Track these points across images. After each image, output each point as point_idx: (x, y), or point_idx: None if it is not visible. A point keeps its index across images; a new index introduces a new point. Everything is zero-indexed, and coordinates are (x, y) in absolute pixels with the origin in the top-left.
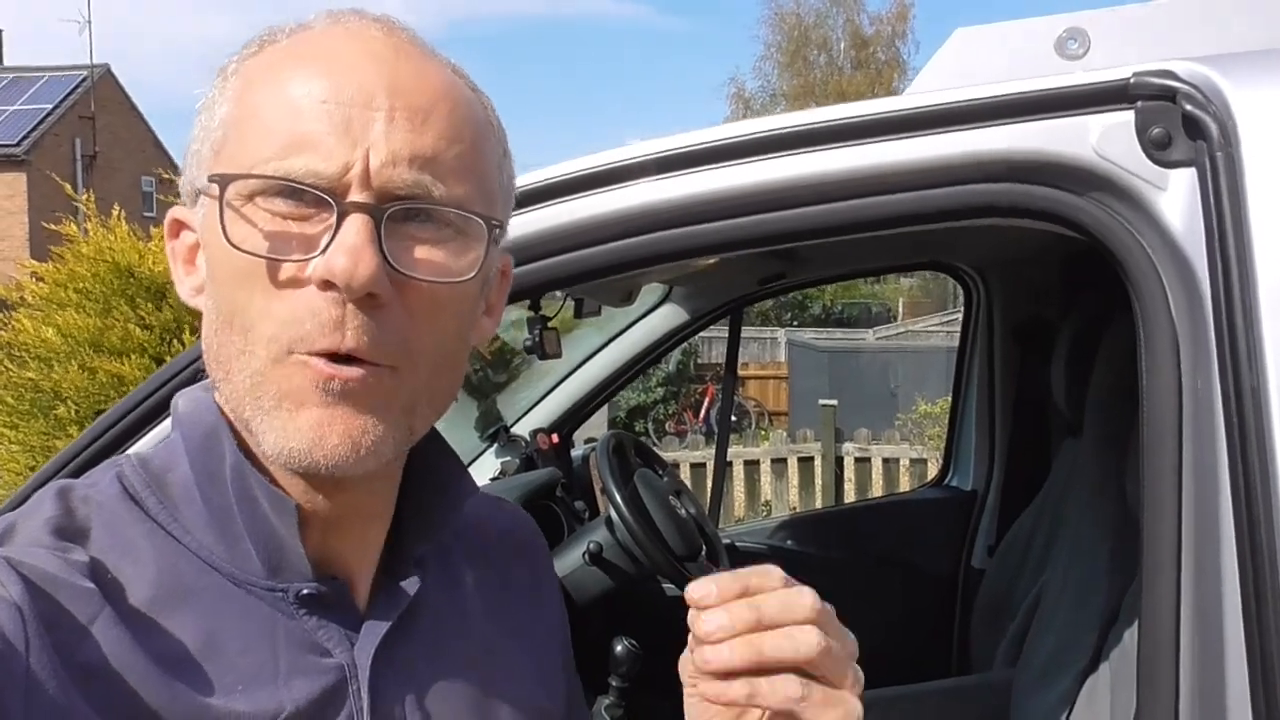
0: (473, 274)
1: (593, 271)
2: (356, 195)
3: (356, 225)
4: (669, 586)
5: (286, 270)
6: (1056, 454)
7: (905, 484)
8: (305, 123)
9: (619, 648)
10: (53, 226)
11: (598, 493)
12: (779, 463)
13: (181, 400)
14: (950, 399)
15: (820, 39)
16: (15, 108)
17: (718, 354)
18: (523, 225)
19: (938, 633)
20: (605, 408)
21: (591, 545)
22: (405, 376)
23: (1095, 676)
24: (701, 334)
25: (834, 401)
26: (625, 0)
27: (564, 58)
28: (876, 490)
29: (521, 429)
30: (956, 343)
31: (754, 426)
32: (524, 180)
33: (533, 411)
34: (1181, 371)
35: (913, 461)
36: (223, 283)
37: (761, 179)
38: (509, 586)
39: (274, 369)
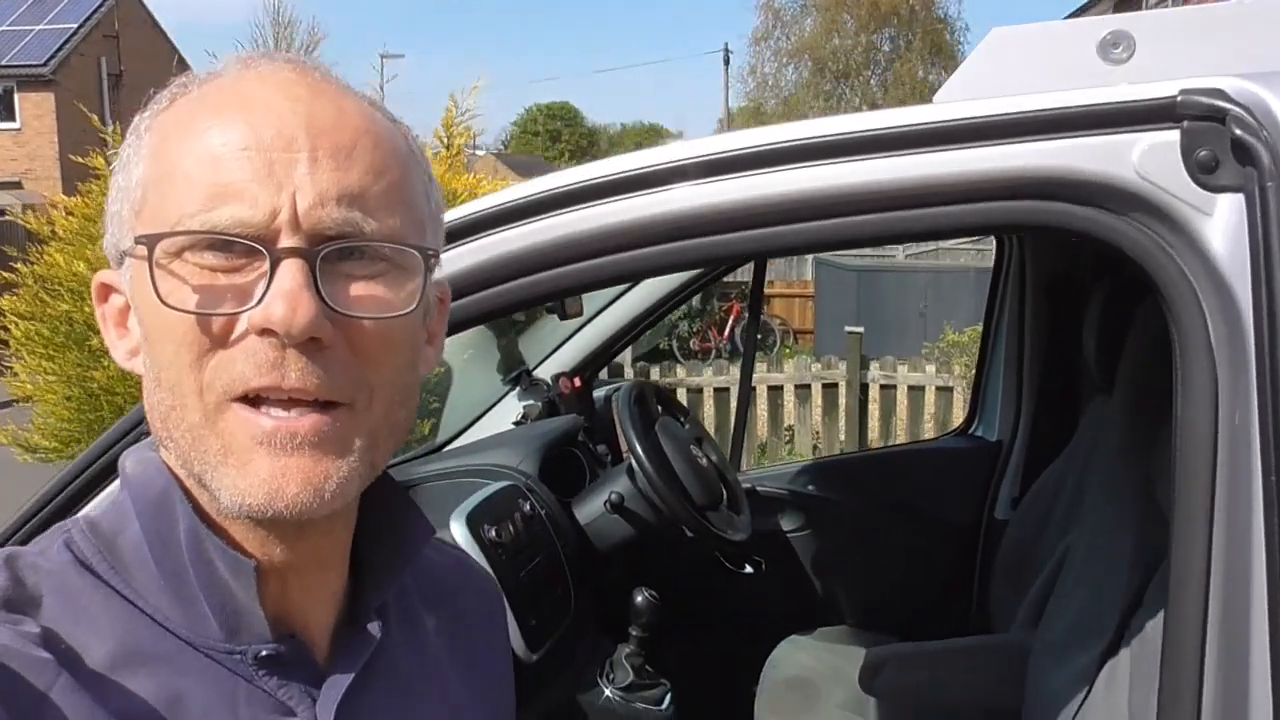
0: (413, 306)
1: (630, 275)
2: (287, 240)
3: (291, 270)
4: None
5: (222, 324)
6: (1085, 409)
7: (929, 412)
8: (227, 172)
9: (639, 598)
10: (80, 160)
11: (621, 444)
12: (803, 388)
13: (129, 461)
14: (980, 341)
15: None
16: (40, 27)
17: (743, 272)
18: (552, 229)
19: (957, 583)
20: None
21: (613, 495)
22: (361, 413)
23: (1115, 662)
24: None
25: (860, 328)
26: None
27: None
28: (900, 417)
29: (544, 372)
30: (988, 263)
31: (779, 345)
32: (554, 182)
33: (555, 355)
34: (1219, 403)
35: (938, 390)
36: (156, 342)
37: (791, 189)
38: (468, 632)
39: (213, 422)
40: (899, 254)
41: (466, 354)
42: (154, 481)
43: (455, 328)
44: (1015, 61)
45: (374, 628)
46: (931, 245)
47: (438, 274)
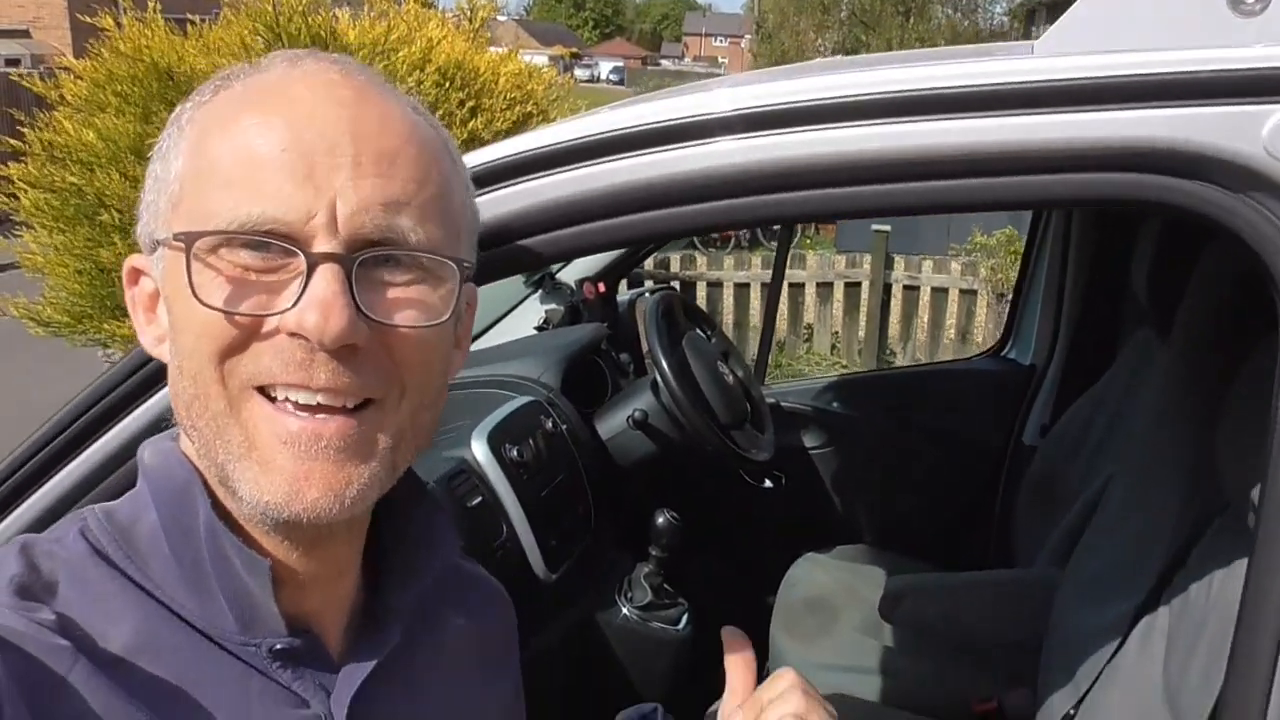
0: (447, 315)
1: (675, 233)
2: (324, 245)
3: (327, 276)
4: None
5: (253, 324)
6: (1125, 341)
7: (952, 317)
8: (264, 172)
9: (660, 520)
10: (89, 20)
11: (646, 359)
12: (824, 286)
13: (148, 452)
14: (1020, 259)
15: None
16: None
17: None
18: (592, 179)
19: (979, 507)
20: None
21: (636, 412)
22: (390, 411)
23: (1151, 619)
24: None
25: (887, 227)
26: None
27: None
28: (922, 318)
29: (567, 276)
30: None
31: (799, 235)
32: (593, 129)
33: (579, 259)
34: None
35: (962, 293)
36: (182, 332)
37: (867, 147)
38: (483, 636)
39: (236, 411)
40: None
41: None
42: (174, 473)
43: (488, 277)
44: (1126, 10)
45: (393, 631)
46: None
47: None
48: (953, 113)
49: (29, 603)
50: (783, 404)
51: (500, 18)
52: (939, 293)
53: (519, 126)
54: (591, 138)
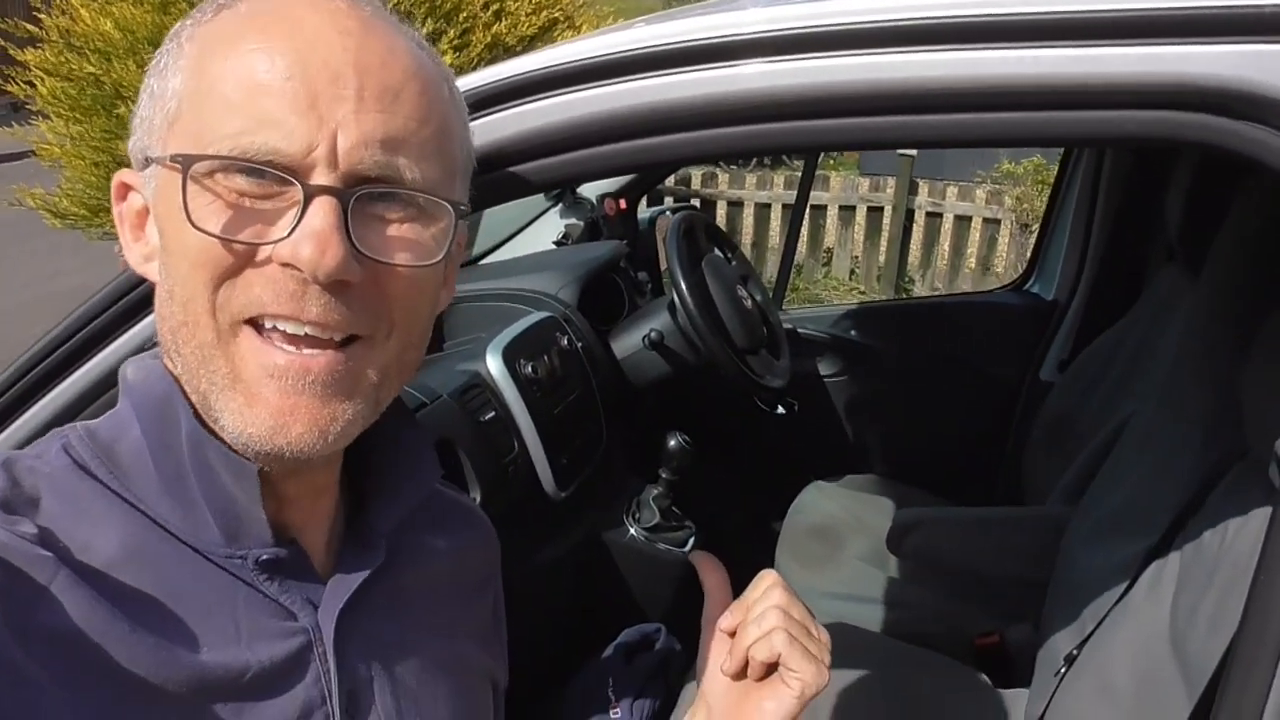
0: (440, 256)
1: (696, 158)
2: (323, 177)
3: (323, 209)
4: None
5: (245, 252)
6: (1153, 276)
7: (974, 245)
8: (267, 100)
9: (672, 442)
10: None
11: (665, 278)
12: (847, 210)
13: (130, 369)
14: (1043, 175)
15: None
16: None
17: None
18: (612, 99)
19: (992, 441)
20: None
21: (652, 332)
22: (378, 347)
23: (1163, 563)
24: None
25: (913, 152)
26: None
27: None
28: (943, 246)
29: (588, 191)
30: None
31: (822, 154)
32: (614, 47)
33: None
34: None
35: (985, 221)
36: (174, 255)
37: (904, 75)
38: (465, 562)
39: (224, 343)
40: None
41: None
42: (155, 387)
43: (504, 196)
44: None
45: (379, 548)
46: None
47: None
48: (997, 42)
49: (11, 516)
50: (800, 330)
51: None
52: (962, 220)
53: (544, 33)
54: (611, 56)
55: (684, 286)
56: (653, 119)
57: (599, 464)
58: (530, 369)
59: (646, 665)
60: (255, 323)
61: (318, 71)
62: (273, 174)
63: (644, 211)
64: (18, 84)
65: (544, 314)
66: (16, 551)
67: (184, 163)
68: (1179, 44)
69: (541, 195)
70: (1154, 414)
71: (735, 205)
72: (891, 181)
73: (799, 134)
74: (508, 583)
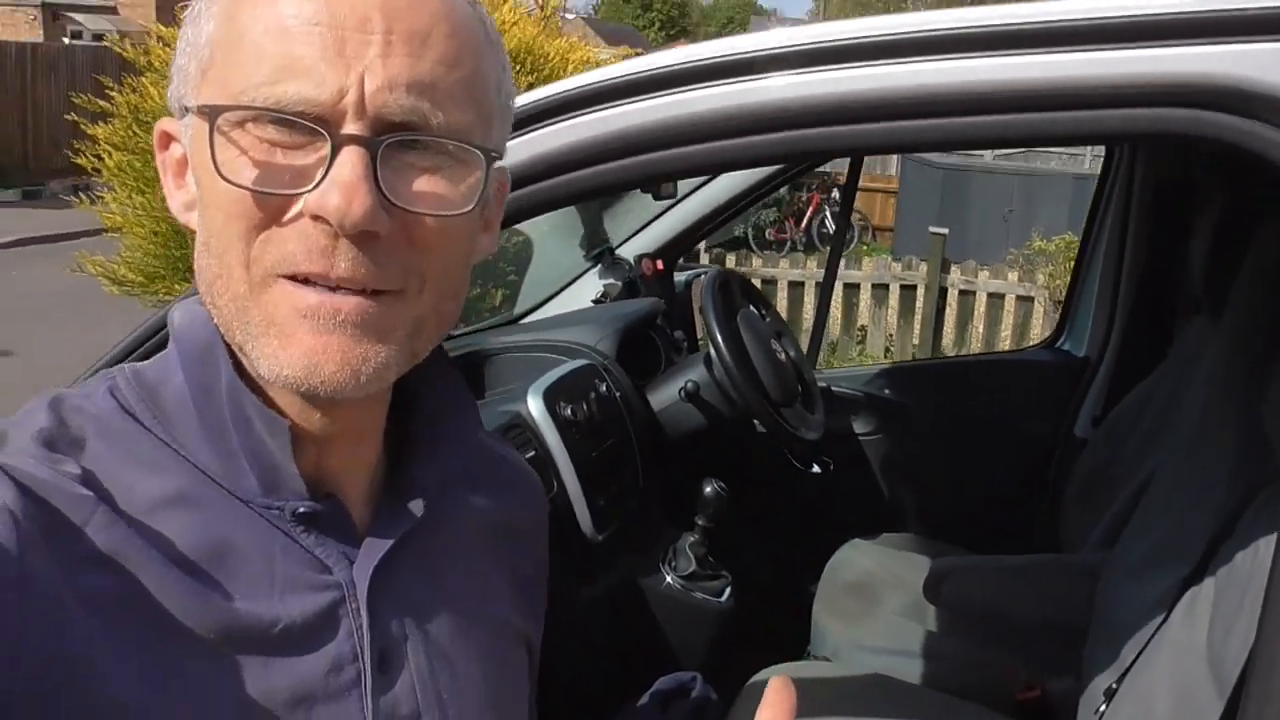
0: (472, 204)
1: (724, 165)
2: (351, 126)
3: (351, 159)
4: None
5: (276, 203)
6: (1181, 330)
7: (1008, 323)
8: (296, 46)
9: (708, 489)
10: None
11: (699, 329)
12: (880, 288)
13: (178, 313)
14: (1075, 252)
15: None
16: None
17: (827, 163)
18: (646, 113)
19: (1029, 499)
20: None
21: (689, 384)
22: (410, 301)
23: (1196, 590)
24: None
25: (944, 230)
26: None
27: None
28: (977, 324)
29: (626, 252)
30: (1079, 169)
31: (857, 240)
32: (647, 66)
33: (639, 235)
34: None
35: (1019, 299)
36: (209, 207)
37: (927, 81)
38: (509, 517)
39: (257, 294)
40: (987, 154)
41: (548, 227)
42: (200, 334)
43: (542, 208)
44: None
45: (417, 505)
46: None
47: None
48: (1007, 49)
49: (55, 454)
50: (834, 389)
51: (568, 15)
52: (995, 298)
53: None
54: (643, 73)
55: (719, 339)
56: (686, 129)
57: (636, 510)
58: (569, 411)
59: (681, 713)
60: (288, 278)
61: (346, 16)
62: (303, 125)
63: (680, 274)
64: (87, 157)
65: (583, 361)
66: (57, 489)
67: (211, 113)
68: (1175, 45)
69: (581, 257)
70: (1181, 455)
71: (769, 284)
72: (924, 267)
73: (821, 140)
74: (545, 618)
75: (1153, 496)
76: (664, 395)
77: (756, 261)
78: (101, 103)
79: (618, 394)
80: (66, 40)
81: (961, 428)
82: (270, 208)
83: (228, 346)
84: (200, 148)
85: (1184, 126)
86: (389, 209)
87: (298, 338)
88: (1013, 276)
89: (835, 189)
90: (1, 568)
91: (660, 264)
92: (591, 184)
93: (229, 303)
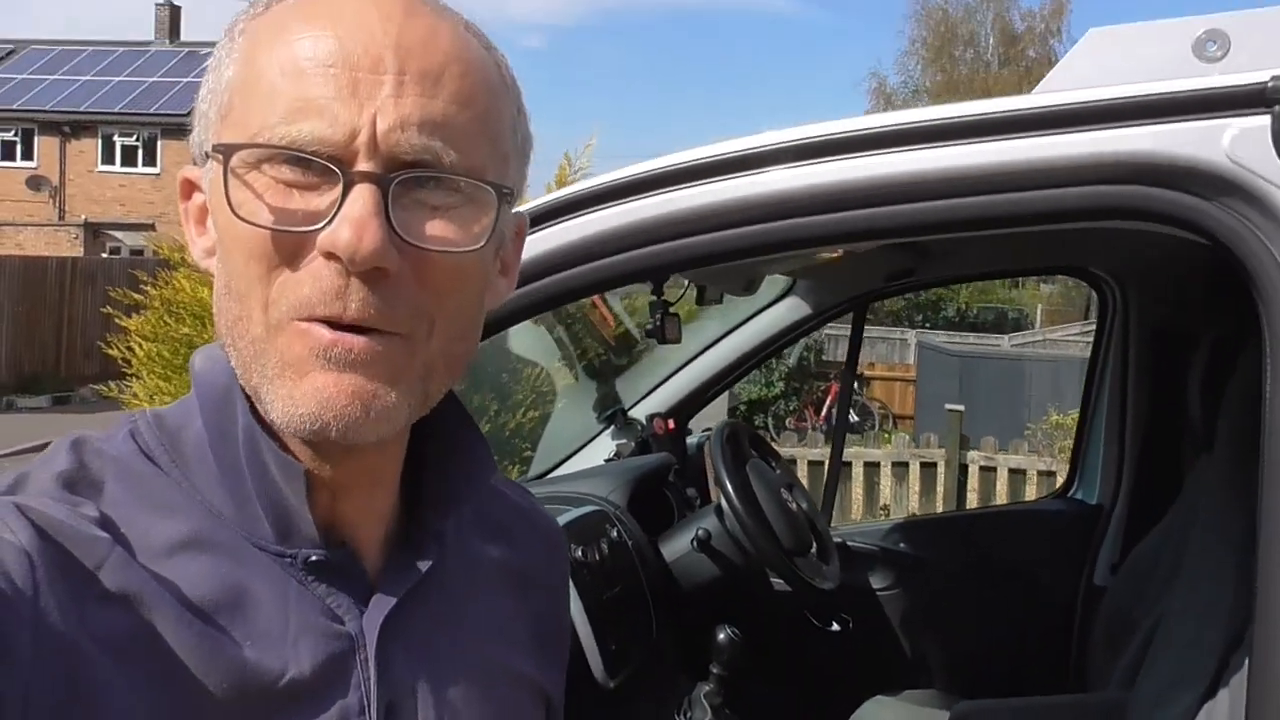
0: (484, 242)
1: (723, 255)
2: (363, 164)
3: (363, 196)
4: (776, 580)
5: (291, 242)
6: (1189, 471)
7: (1031, 497)
8: (311, 87)
9: (721, 636)
10: None
11: (710, 481)
12: (900, 466)
13: (199, 358)
14: (1080, 408)
15: (968, 34)
16: (189, 79)
17: (843, 351)
18: (655, 207)
19: (1053, 649)
20: (725, 400)
21: (700, 532)
22: (419, 344)
23: (1212, 705)
24: (827, 330)
25: (960, 407)
26: None
27: (709, 48)
28: (1001, 501)
29: (639, 413)
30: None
31: (877, 429)
32: (656, 164)
33: (650, 396)
34: None
35: (1040, 474)
36: (229, 249)
37: (891, 171)
38: (526, 568)
39: (273, 337)
40: (1004, 343)
41: (562, 402)
42: (219, 378)
43: (559, 300)
44: (1110, 60)
45: (430, 554)
46: (1039, 335)
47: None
48: (961, 138)
49: (74, 496)
50: (850, 544)
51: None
52: (1016, 474)
53: None
54: (652, 172)
55: (729, 487)
56: (693, 221)
57: (649, 658)
58: (580, 553)
59: None
60: (303, 322)
61: (360, 57)
62: (318, 163)
63: (693, 437)
64: (118, 348)
65: (593, 507)
66: (73, 531)
67: (225, 152)
68: (1106, 129)
69: (595, 419)
70: (1192, 582)
71: (789, 463)
72: (943, 446)
73: (814, 228)
74: None
75: (1166, 625)
76: (676, 545)
77: (775, 446)
78: (135, 295)
79: (629, 542)
80: (105, 254)
81: (980, 581)
82: (285, 248)
83: (245, 394)
84: (217, 189)
85: (1119, 201)
86: (400, 246)
87: (311, 376)
88: (1034, 455)
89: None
90: (16, 608)
91: (672, 423)
92: (601, 276)
93: (248, 345)
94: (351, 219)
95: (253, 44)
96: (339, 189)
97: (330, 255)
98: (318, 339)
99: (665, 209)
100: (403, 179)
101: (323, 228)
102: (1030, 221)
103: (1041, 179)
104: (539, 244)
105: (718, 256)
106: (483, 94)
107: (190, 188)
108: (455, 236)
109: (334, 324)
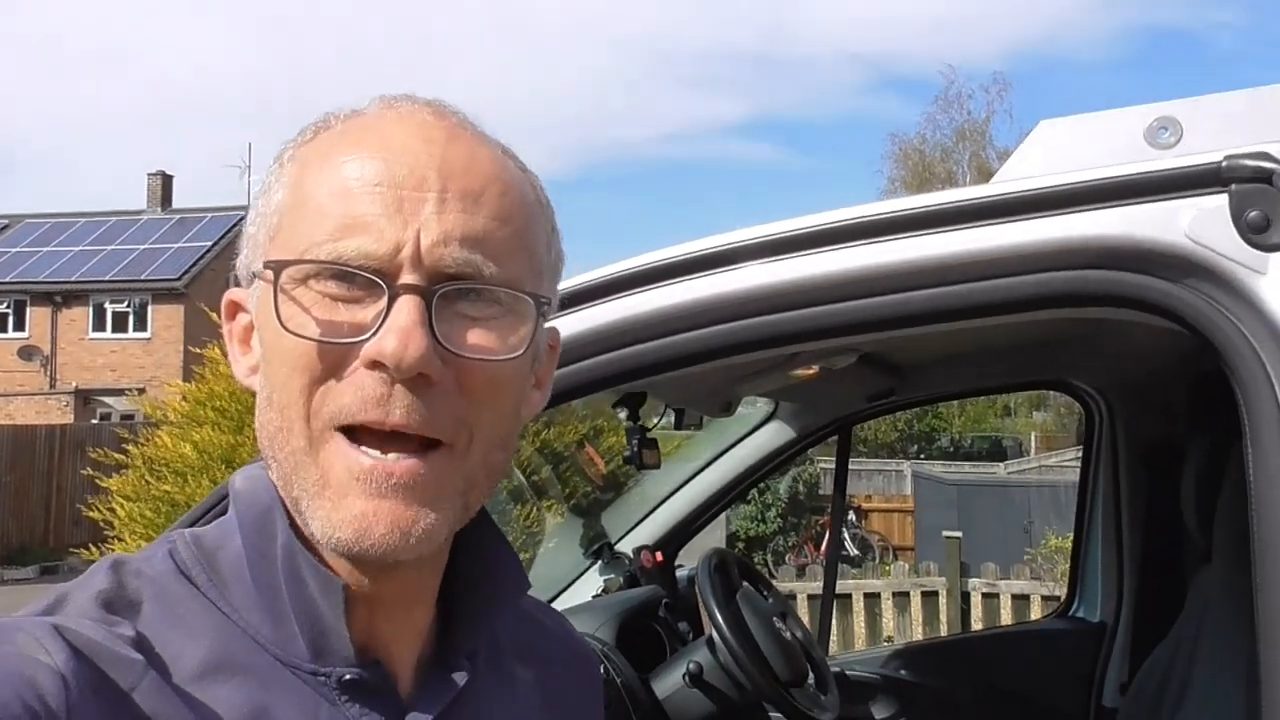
0: (522, 350)
1: (694, 356)
2: (408, 276)
3: (407, 307)
4: (775, 716)
5: (336, 353)
6: (1191, 583)
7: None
8: (358, 205)
9: None
10: (198, 350)
11: (700, 613)
12: (901, 596)
13: (239, 478)
14: (1074, 526)
15: (945, 173)
16: (179, 245)
17: None
18: (632, 306)
19: None
20: (722, 534)
21: (692, 666)
22: (459, 455)
23: None
24: (823, 465)
25: (958, 533)
26: (755, 142)
27: (693, 195)
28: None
29: (626, 546)
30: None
31: (878, 561)
32: (629, 264)
33: (637, 529)
34: None
35: (1044, 599)
36: (273, 363)
37: (849, 265)
38: (558, 692)
39: (315, 450)
40: (1000, 470)
41: (552, 542)
42: (260, 498)
43: (630, 375)
44: (1063, 150)
45: (460, 674)
46: (1033, 461)
47: (551, 321)
48: (924, 228)
49: (112, 616)
50: (848, 673)
51: None
52: (1020, 600)
53: None
54: (633, 270)
55: (719, 618)
56: (660, 323)
57: None
58: None
59: None
60: (346, 431)
61: (405, 177)
62: (363, 277)
63: (682, 570)
64: (100, 510)
65: None
66: (109, 652)
67: (276, 268)
68: (1059, 215)
69: (581, 556)
70: (1202, 693)
71: (789, 598)
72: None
73: (784, 324)
74: None
75: None
76: (668, 682)
77: (775, 582)
78: (117, 455)
79: (619, 679)
80: (94, 421)
81: (985, 706)
82: (330, 359)
83: (286, 510)
84: (267, 304)
85: (1085, 286)
86: (443, 356)
87: (349, 500)
88: (1035, 579)
89: (852, 511)
90: None
91: (660, 556)
92: (569, 384)
93: (288, 457)
94: (397, 328)
95: (301, 169)
96: (384, 301)
97: (374, 365)
98: (358, 464)
99: (631, 311)
100: (445, 291)
101: (367, 338)
102: (1000, 311)
103: (1008, 266)
104: None
105: (682, 361)
106: (520, 212)
107: (235, 309)
108: (495, 346)
109: (376, 428)
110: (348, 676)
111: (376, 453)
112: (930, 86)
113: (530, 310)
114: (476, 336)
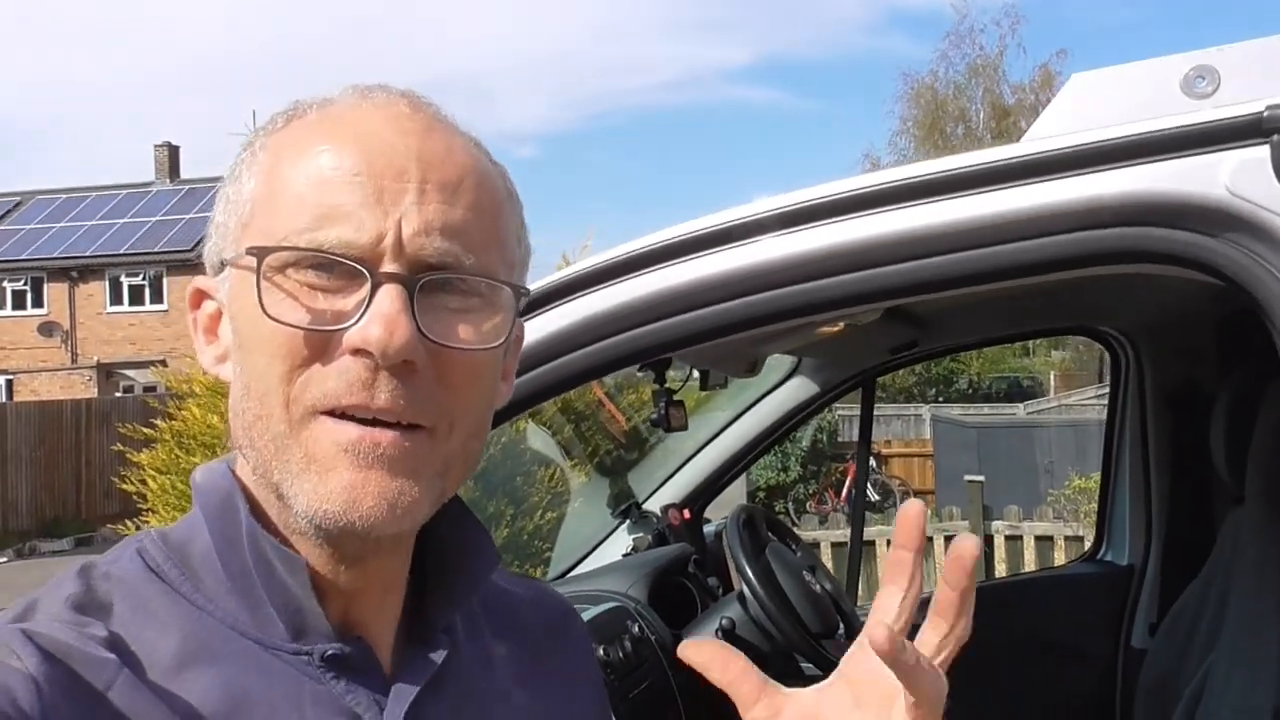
0: (500, 341)
1: (718, 330)
2: (390, 265)
3: (391, 295)
4: (807, 665)
5: (319, 340)
6: (1221, 524)
7: (1061, 563)
8: (338, 194)
9: None
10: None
11: (730, 569)
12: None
13: (199, 473)
14: (1101, 471)
15: (958, 111)
16: (190, 216)
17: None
18: (645, 285)
19: (1096, 716)
20: (743, 486)
21: (724, 621)
22: (440, 440)
23: None
24: (841, 412)
25: (981, 477)
26: (761, 87)
27: (700, 140)
28: (1030, 569)
29: (653, 505)
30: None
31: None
32: (640, 243)
33: (664, 487)
34: None
35: (1068, 539)
36: (250, 351)
37: (883, 231)
38: (542, 663)
39: (297, 432)
40: (1019, 411)
41: (576, 501)
42: (219, 486)
43: (560, 387)
44: (1097, 104)
45: (439, 649)
46: (1053, 401)
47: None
48: (952, 192)
49: (83, 618)
50: None
51: None
52: (1044, 541)
53: None
54: (644, 249)
55: (750, 574)
56: (683, 298)
57: None
58: (602, 652)
59: None
60: (328, 415)
61: (384, 167)
62: (343, 266)
63: (710, 525)
64: (132, 482)
65: (614, 604)
66: (81, 654)
67: (259, 254)
68: (1095, 172)
69: (609, 516)
70: (1235, 640)
71: (812, 546)
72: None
73: (808, 295)
74: None
75: (1213, 685)
76: (701, 637)
77: (798, 530)
78: (145, 430)
79: (653, 637)
80: (118, 394)
81: (1015, 651)
82: (313, 346)
83: (247, 496)
84: (243, 291)
85: (1118, 244)
86: (425, 344)
87: (338, 472)
88: (1058, 520)
89: (872, 457)
90: None
91: (688, 513)
92: (593, 362)
93: (269, 443)
94: (382, 315)
95: (275, 158)
96: (366, 289)
97: (358, 351)
98: (345, 435)
99: (654, 288)
100: (426, 281)
101: (350, 326)
102: (1031, 272)
103: (1039, 227)
104: (529, 333)
105: (707, 334)
106: (494, 204)
107: (201, 297)
108: (474, 336)
109: (361, 414)
110: (330, 652)
111: (363, 424)
112: (938, 22)
113: (508, 300)
114: (456, 327)
